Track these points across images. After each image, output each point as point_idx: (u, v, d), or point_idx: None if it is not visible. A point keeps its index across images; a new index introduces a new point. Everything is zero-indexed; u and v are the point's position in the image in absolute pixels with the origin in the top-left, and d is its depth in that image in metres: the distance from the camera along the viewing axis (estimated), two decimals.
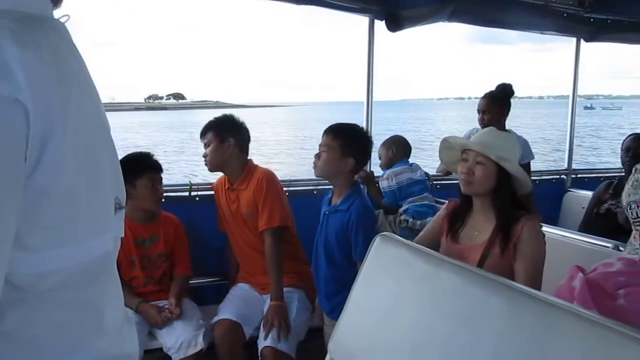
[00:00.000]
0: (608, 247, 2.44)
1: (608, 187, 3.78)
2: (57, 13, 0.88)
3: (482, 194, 2.23)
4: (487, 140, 2.22)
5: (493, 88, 3.83)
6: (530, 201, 3.73)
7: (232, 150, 2.99)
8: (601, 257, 1.53)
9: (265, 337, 2.75)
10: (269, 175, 3.04)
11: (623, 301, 1.40)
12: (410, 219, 3.48)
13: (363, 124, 3.72)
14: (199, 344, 2.71)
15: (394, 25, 3.43)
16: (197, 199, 3.34)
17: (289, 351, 2.75)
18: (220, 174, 3.20)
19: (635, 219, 1.72)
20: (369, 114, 3.74)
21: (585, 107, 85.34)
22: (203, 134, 3.04)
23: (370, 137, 2.86)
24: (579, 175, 4.90)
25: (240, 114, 3.21)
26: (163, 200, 3.01)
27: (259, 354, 2.76)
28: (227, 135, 2.99)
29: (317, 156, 2.74)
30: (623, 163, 3.79)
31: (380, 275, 1.47)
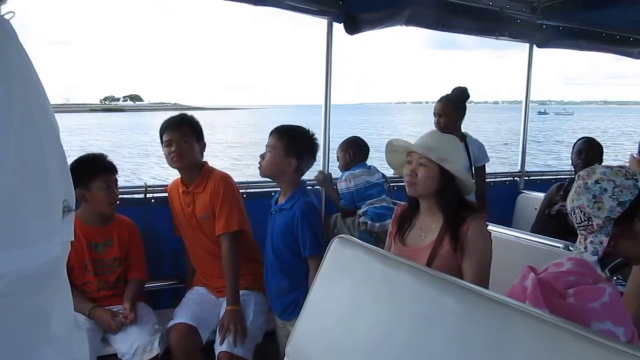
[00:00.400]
0: (559, 247, 2.51)
1: (559, 189, 3.88)
2: (3, 9, 0.85)
3: (427, 195, 2.28)
4: (429, 142, 2.26)
5: (448, 92, 3.90)
6: (484, 202, 3.82)
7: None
8: (552, 257, 1.56)
9: (222, 342, 2.72)
10: (227, 179, 3.02)
11: (572, 300, 1.42)
12: (369, 222, 3.50)
13: (321, 127, 3.74)
14: (155, 349, 2.67)
15: (352, 28, 3.46)
16: (153, 201, 3.29)
17: (246, 355, 2.74)
18: (173, 177, 3.16)
19: (579, 223, 1.77)
20: (327, 116, 3.75)
21: (540, 113, 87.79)
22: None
23: (315, 138, 2.89)
24: (531, 178, 5.04)
25: (199, 117, 3.18)
26: (118, 202, 2.95)
27: (216, 359, 2.73)
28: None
29: (262, 156, 2.79)
30: (575, 165, 3.90)
31: (338, 277, 1.48)
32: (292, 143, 2.75)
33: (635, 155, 4.21)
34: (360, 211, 3.59)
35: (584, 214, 1.74)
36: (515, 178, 4.93)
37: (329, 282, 1.49)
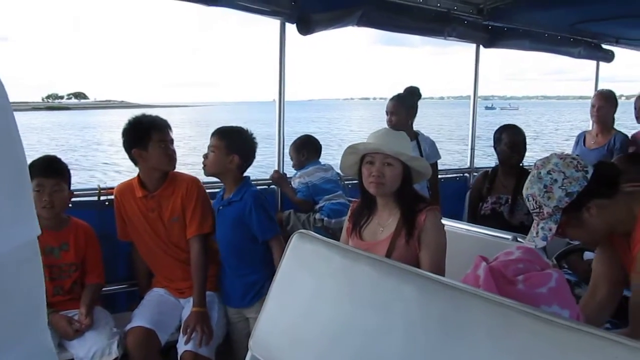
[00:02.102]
0: (508, 238, 2.62)
1: (484, 178, 3.95)
2: None
3: (389, 194, 2.36)
4: (393, 142, 2.34)
5: (397, 89, 4.00)
6: (437, 198, 3.93)
7: None
8: (502, 248, 1.65)
9: (186, 342, 2.73)
10: (198, 182, 3.05)
11: (522, 286, 1.51)
12: (326, 218, 3.56)
13: (275, 124, 3.78)
14: (113, 353, 2.64)
15: (305, 28, 3.50)
16: (107, 203, 3.24)
17: (209, 355, 2.76)
18: (119, 181, 3.16)
19: (532, 210, 1.87)
20: (281, 113, 3.78)
21: (487, 108, 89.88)
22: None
23: (253, 136, 2.99)
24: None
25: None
26: (70, 205, 2.91)
27: (179, 359, 2.74)
28: None
29: (205, 157, 2.91)
30: (501, 152, 3.87)
31: (299, 272, 1.52)
32: (233, 142, 2.89)
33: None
34: (317, 207, 3.64)
35: (536, 202, 1.83)
36: (465, 174, 5.08)
37: (290, 277, 1.53)
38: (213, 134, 2.92)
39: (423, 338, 1.12)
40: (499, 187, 3.80)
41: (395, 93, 3.97)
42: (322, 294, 1.41)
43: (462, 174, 5.12)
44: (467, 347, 1.04)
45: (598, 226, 1.81)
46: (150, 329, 2.78)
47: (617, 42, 5.60)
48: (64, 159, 2.88)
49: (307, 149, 3.87)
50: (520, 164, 3.87)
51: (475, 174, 5.08)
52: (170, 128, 2.96)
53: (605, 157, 4.27)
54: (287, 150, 3.94)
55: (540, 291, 1.48)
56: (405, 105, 3.91)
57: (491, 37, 4.77)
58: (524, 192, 1.88)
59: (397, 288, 1.22)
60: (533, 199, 1.84)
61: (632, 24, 4.75)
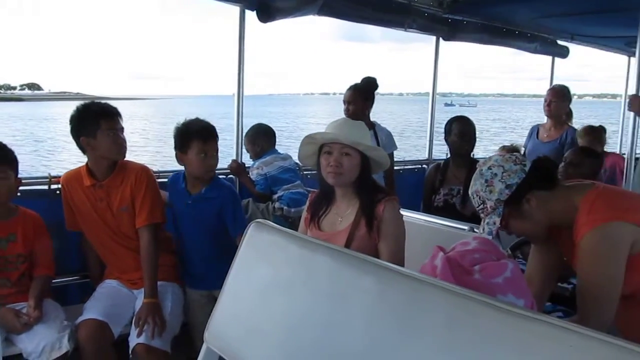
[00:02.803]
0: (464, 229, 2.65)
1: (437, 171, 3.99)
2: None
3: (348, 184, 2.35)
4: (351, 132, 2.33)
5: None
6: (392, 188, 3.95)
7: None
8: (459, 238, 1.67)
9: (139, 335, 2.66)
10: (148, 171, 2.97)
11: (478, 276, 1.51)
12: (285, 207, 3.53)
13: (234, 116, 3.72)
14: (64, 347, 2.55)
15: (265, 16, 3.45)
16: (58, 192, 3.13)
17: (163, 347, 2.69)
18: (65, 170, 3.05)
19: (477, 207, 1.92)
20: (239, 106, 3.73)
21: (446, 104, 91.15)
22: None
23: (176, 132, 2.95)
24: None
25: None
26: (19, 194, 2.79)
27: (131, 352, 2.67)
28: None
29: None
30: (452, 142, 3.89)
31: (255, 262, 1.49)
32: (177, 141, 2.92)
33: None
34: (275, 196, 3.61)
35: (480, 198, 1.89)
36: (423, 165, 5.12)
37: (246, 267, 1.50)
38: (215, 136, 2.93)
39: (381, 328, 1.12)
40: (451, 179, 3.85)
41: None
42: (279, 284, 1.39)
43: (420, 165, 5.17)
44: (424, 336, 1.04)
45: (539, 218, 1.87)
46: (102, 321, 2.70)
47: (572, 38, 5.73)
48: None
49: (260, 138, 3.84)
50: (471, 156, 3.92)
51: None
52: (120, 116, 2.86)
53: (557, 150, 4.39)
54: (246, 140, 3.89)
55: (496, 281, 1.50)
56: (362, 95, 3.92)
57: (451, 30, 4.81)
58: (470, 191, 1.95)
59: (355, 278, 1.21)
60: (477, 195, 1.90)
61: (587, 20, 4.87)
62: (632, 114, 3.49)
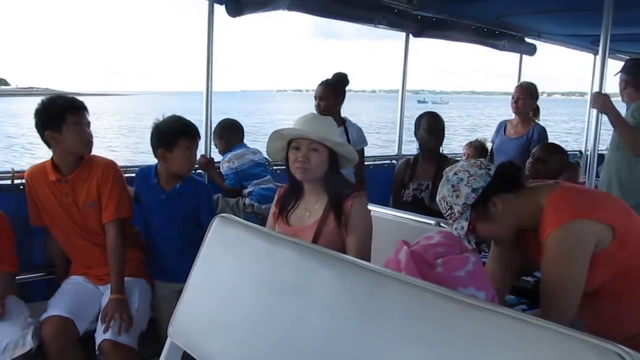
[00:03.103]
0: (431, 223, 2.68)
1: (406, 166, 4.03)
2: None
3: (316, 180, 2.36)
4: (319, 128, 2.34)
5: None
6: (363, 184, 3.98)
7: None
8: (426, 233, 1.70)
9: (105, 331, 2.63)
10: (115, 165, 2.94)
11: (441, 269, 1.54)
12: (256, 203, 3.52)
13: (203, 112, 3.70)
14: (28, 344, 2.51)
15: (234, 10, 3.42)
16: (22, 187, 3.07)
17: (130, 343, 2.67)
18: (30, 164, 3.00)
19: (445, 213, 1.95)
20: (208, 101, 3.69)
21: (419, 101, 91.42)
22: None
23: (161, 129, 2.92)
24: None
25: None
26: None
27: (97, 348, 2.64)
28: None
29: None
30: (420, 137, 3.94)
31: (220, 257, 1.49)
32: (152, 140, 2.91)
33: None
34: (246, 191, 3.60)
35: (447, 203, 1.91)
36: (393, 161, 5.16)
37: (210, 261, 1.50)
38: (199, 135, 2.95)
39: (343, 321, 1.13)
40: (420, 174, 3.89)
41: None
42: (243, 279, 1.39)
43: (389, 161, 5.21)
44: (384, 329, 1.05)
45: (506, 220, 1.90)
46: (67, 317, 2.66)
47: (539, 36, 5.83)
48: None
49: (227, 133, 3.82)
50: (441, 151, 3.97)
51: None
52: (86, 110, 2.82)
53: (523, 146, 4.46)
54: (214, 136, 3.87)
55: (459, 274, 1.52)
56: (333, 90, 3.92)
57: (420, 27, 4.85)
58: (437, 198, 1.97)
59: (319, 272, 1.22)
60: (444, 201, 1.93)
61: (553, 19, 4.95)
62: (595, 111, 3.56)
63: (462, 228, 1.88)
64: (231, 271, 1.43)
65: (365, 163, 4.40)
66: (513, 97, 4.66)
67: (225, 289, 1.42)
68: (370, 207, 2.47)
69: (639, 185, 3.65)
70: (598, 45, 3.58)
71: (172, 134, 2.84)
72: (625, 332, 1.85)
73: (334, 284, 1.18)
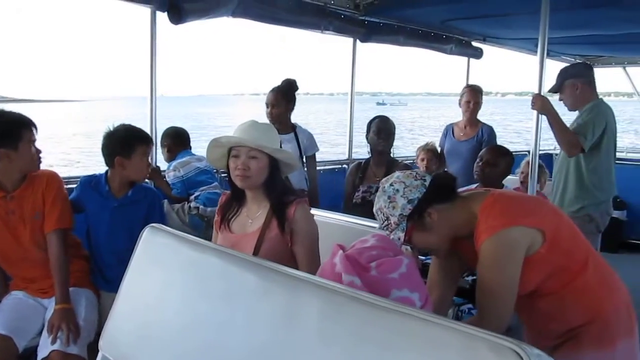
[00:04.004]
0: (376, 227, 2.69)
1: (357, 169, 4.05)
2: None
3: (257, 187, 2.35)
4: (258, 135, 2.33)
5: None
6: (316, 190, 3.99)
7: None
8: None
9: (53, 342, 2.56)
10: (57, 176, 2.87)
11: (375, 272, 1.55)
12: (201, 206, 3.49)
13: (147, 119, 3.65)
14: None
15: (177, 17, 3.38)
16: None
17: (81, 353, 2.60)
18: None
19: (381, 224, 1.95)
20: (153, 108, 3.65)
21: (378, 103, 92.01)
22: None
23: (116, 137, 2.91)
24: None
25: (27, 110, 2.94)
26: None
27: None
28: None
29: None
30: (370, 140, 3.95)
31: (149, 267, 1.47)
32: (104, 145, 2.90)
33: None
34: (192, 197, 3.56)
35: (384, 215, 1.92)
36: (344, 165, 5.19)
37: (140, 271, 1.48)
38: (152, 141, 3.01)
39: (264, 326, 1.14)
40: (370, 177, 3.91)
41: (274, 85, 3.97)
42: (171, 288, 1.38)
43: (340, 165, 5.24)
44: (302, 332, 1.06)
45: (442, 230, 1.93)
46: (6, 335, 2.58)
47: (484, 40, 5.95)
48: None
49: (171, 140, 3.78)
50: (391, 155, 4.00)
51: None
52: (35, 126, 2.76)
53: (475, 148, 4.52)
54: (160, 144, 3.83)
55: (392, 276, 1.54)
56: (284, 97, 3.92)
57: (367, 32, 4.88)
58: (374, 209, 1.98)
59: (241, 278, 1.22)
60: (381, 212, 1.93)
61: (495, 23, 5.06)
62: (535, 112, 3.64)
63: (399, 239, 1.89)
64: (160, 281, 1.42)
65: (318, 168, 4.40)
66: (468, 101, 4.70)
67: (154, 299, 1.41)
68: (318, 212, 2.48)
69: (596, 185, 3.76)
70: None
71: (130, 140, 2.85)
72: (562, 328, 1.92)
73: (256, 290, 1.19)
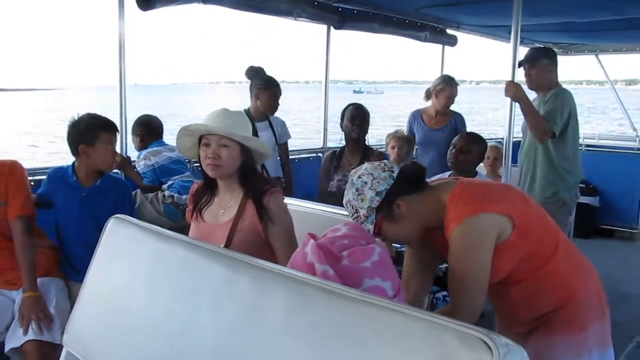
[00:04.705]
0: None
1: (332, 158, 4.02)
2: None
3: (230, 175, 2.31)
4: (228, 123, 2.28)
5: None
6: (290, 177, 3.96)
7: None
8: None
9: (25, 332, 2.51)
10: (19, 164, 2.83)
11: (347, 261, 1.53)
12: (176, 194, 3.44)
13: (118, 108, 3.59)
14: None
15: (145, 3, 3.30)
16: None
17: (56, 340, 2.55)
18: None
19: (351, 216, 1.93)
20: (122, 97, 3.58)
21: (355, 92, 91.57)
22: None
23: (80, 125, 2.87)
24: None
25: None
26: None
27: (21, 350, 2.51)
28: None
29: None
30: (345, 127, 3.94)
31: (114, 259, 1.43)
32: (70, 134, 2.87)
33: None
34: (165, 185, 3.50)
35: (352, 207, 1.90)
36: (319, 154, 5.16)
37: (105, 264, 1.44)
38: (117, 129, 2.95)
39: (231, 317, 1.12)
40: (345, 165, 3.89)
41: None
42: (136, 280, 1.35)
43: (315, 154, 5.22)
44: (268, 323, 1.04)
45: (411, 221, 1.91)
46: None
47: (458, 27, 5.94)
48: None
49: (143, 128, 3.70)
50: (366, 142, 3.99)
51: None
52: None
53: (449, 136, 4.50)
54: (130, 133, 3.76)
55: (364, 265, 1.52)
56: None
57: (341, 19, 4.81)
58: (344, 202, 1.96)
59: (207, 270, 1.19)
60: (350, 205, 1.92)
61: (470, 10, 5.05)
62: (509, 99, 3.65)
63: (369, 231, 1.88)
64: (125, 273, 1.38)
65: (291, 157, 4.38)
66: (449, 97, 4.66)
67: (119, 292, 1.37)
68: (293, 201, 2.45)
69: (566, 169, 3.82)
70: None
71: (93, 128, 2.82)
72: (534, 314, 1.93)
73: (222, 281, 1.17)
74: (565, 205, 3.83)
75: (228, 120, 2.29)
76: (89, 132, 2.81)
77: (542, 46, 4.55)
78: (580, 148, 6.78)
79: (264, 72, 3.98)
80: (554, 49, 7.26)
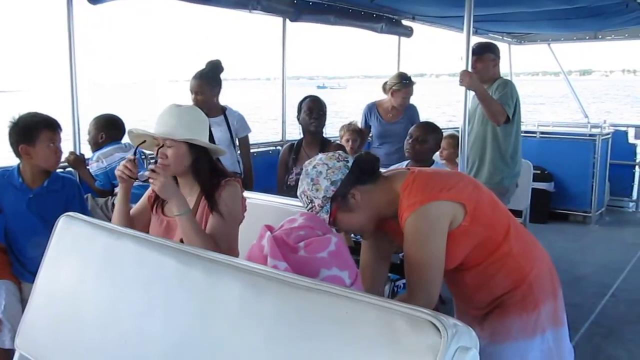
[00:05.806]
0: None
1: (290, 151, 4.04)
2: None
3: (183, 172, 2.29)
4: (172, 122, 2.25)
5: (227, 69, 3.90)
6: (250, 171, 3.94)
7: None
8: None
9: None
10: None
11: (303, 252, 1.53)
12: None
13: (70, 106, 3.50)
14: None
15: None
16: None
17: (9, 346, 2.49)
18: None
19: (306, 206, 1.93)
20: (74, 95, 3.50)
21: (319, 87, 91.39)
22: None
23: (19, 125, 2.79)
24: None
25: None
26: None
27: None
28: None
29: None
30: (302, 120, 3.94)
31: (66, 258, 1.40)
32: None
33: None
34: (117, 189, 3.43)
35: (307, 197, 1.90)
36: (278, 147, 5.15)
37: (56, 264, 1.41)
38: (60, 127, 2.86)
39: (184, 311, 1.10)
40: (303, 158, 3.88)
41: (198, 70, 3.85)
42: (87, 279, 1.32)
43: (274, 147, 5.21)
44: (222, 317, 1.04)
45: (365, 210, 1.93)
46: None
47: (414, 18, 6.00)
48: None
49: (107, 129, 3.58)
50: (323, 135, 3.99)
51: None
52: None
53: (408, 127, 4.54)
54: (83, 134, 3.66)
55: (321, 255, 1.52)
56: (209, 82, 3.81)
57: (297, 11, 4.80)
58: (298, 192, 1.96)
59: (159, 264, 1.18)
60: (305, 195, 1.92)
61: (424, 1, 5.12)
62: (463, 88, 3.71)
63: (324, 221, 1.88)
64: (76, 272, 1.35)
65: (252, 150, 4.35)
66: (404, 98, 4.68)
67: (70, 292, 1.34)
68: (251, 194, 2.44)
69: (513, 157, 3.95)
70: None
71: (32, 127, 2.74)
72: (489, 297, 1.98)
73: (174, 275, 1.15)
74: (507, 192, 4.00)
75: (172, 119, 2.26)
76: (28, 131, 2.74)
77: (487, 41, 4.64)
78: (534, 135, 7.02)
79: (218, 67, 3.91)
80: (507, 38, 7.44)
